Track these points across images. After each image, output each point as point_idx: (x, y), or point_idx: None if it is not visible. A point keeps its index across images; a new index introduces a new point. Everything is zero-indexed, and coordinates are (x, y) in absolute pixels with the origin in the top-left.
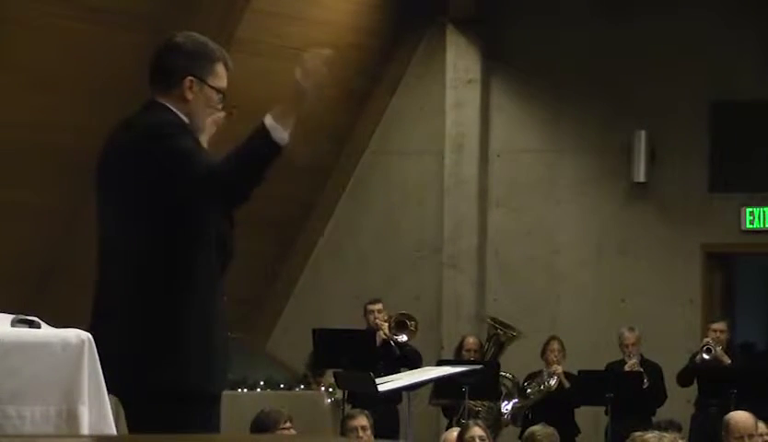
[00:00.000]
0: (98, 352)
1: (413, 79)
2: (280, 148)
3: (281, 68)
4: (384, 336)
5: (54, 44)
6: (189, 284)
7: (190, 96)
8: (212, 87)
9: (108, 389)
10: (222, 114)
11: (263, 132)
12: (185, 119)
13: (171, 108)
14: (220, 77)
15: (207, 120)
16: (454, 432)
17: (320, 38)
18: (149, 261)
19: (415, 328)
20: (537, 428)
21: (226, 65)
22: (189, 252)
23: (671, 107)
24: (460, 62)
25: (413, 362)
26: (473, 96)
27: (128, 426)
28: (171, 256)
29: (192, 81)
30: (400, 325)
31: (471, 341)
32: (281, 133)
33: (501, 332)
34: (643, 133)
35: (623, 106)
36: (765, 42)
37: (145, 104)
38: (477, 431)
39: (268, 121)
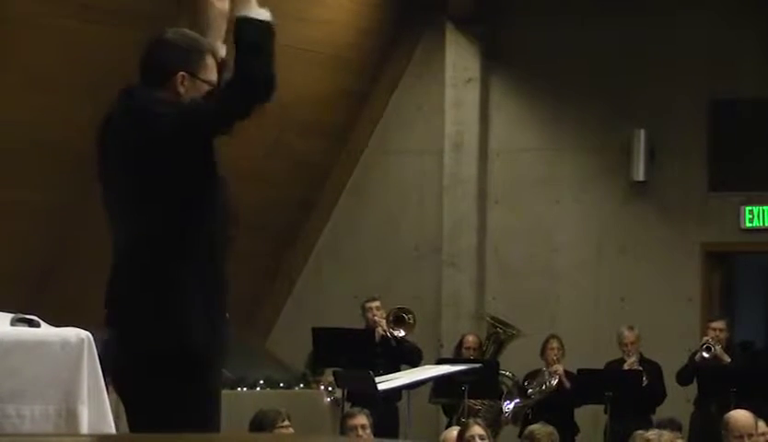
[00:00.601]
0: (109, 320)
1: (412, 78)
2: (270, 24)
3: (280, 67)
4: (382, 332)
5: (53, 43)
6: (193, 250)
7: (182, 90)
8: (203, 81)
9: (114, 363)
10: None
11: (246, 22)
12: None
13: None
14: (210, 69)
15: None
16: (454, 430)
17: (320, 37)
18: (154, 228)
19: (413, 322)
20: (536, 427)
21: (214, 56)
22: (194, 218)
23: (671, 106)
24: (460, 61)
25: (413, 358)
26: (472, 95)
27: (129, 398)
28: (177, 223)
29: (183, 76)
30: (398, 320)
31: (470, 339)
32: (258, 14)
33: (500, 331)
34: (642, 132)
35: (623, 105)
36: (764, 41)
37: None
38: (477, 430)
39: (241, 15)
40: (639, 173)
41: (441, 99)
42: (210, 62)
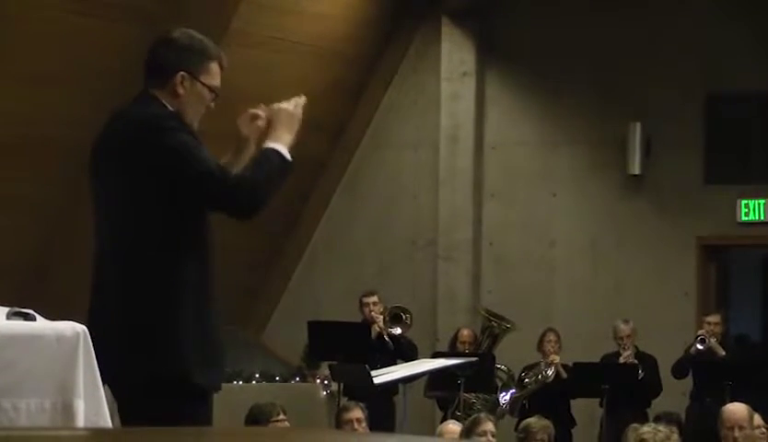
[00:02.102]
0: (93, 342)
1: (407, 72)
2: (291, 164)
3: (276, 60)
4: (379, 329)
5: (48, 37)
6: (185, 278)
7: (181, 91)
8: (204, 85)
9: (102, 380)
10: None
11: (275, 151)
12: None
13: (162, 101)
14: (213, 76)
15: (197, 115)
16: (450, 424)
17: (315, 30)
18: (143, 254)
19: (410, 321)
20: (533, 421)
21: (220, 65)
22: (184, 245)
23: (666, 99)
24: (455, 54)
25: (409, 354)
26: (468, 88)
27: (120, 417)
28: (166, 248)
29: (183, 76)
30: (394, 318)
31: (465, 333)
32: (285, 152)
33: (495, 324)
34: (638, 125)
35: (618, 99)
36: (760, 35)
37: (137, 96)
38: (489, 426)
39: (273, 144)
40: (635, 167)
41: (437, 93)
42: (215, 68)
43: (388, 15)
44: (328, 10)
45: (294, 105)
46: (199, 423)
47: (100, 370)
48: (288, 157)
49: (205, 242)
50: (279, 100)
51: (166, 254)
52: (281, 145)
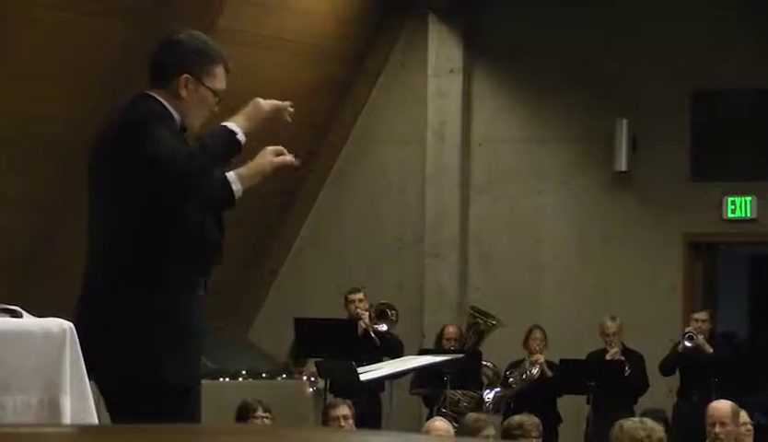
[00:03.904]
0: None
1: (394, 68)
2: (238, 141)
3: (262, 57)
4: (365, 326)
5: (42, 34)
6: (162, 278)
7: (184, 93)
8: (208, 88)
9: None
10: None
11: (224, 127)
12: (174, 113)
13: (159, 99)
14: (218, 79)
15: (200, 118)
16: (437, 421)
17: (302, 27)
18: (124, 255)
19: (396, 318)
20: (523, 418)
21: (226, 68)
22: (163, 246)
23: (653, 96)
24: (442, 51)
25: (395, 351)
26: (455, 85)
27: (108, 413)
28: (145, 249)
29: (187, 79)
30: (380, 315)
31: (450, 330)
32: (238, 131)
33: (481, 321)
34: (624, 122)
35: (605, 95)
36: (747, 31)
37: (135, 97)
38: (492, 430)
39: (232, 126)
40: (621, 163)
41: (424, 90)
42: (219, 72)
43: (374, 11)
44: (314, 7)
45: (271, 105)
46: (185, 417)
47: (86, 367)
48: (239, 135)
49: (190, 244)
50: (267, 97)
51: (145, 255)
52: (234, 124)
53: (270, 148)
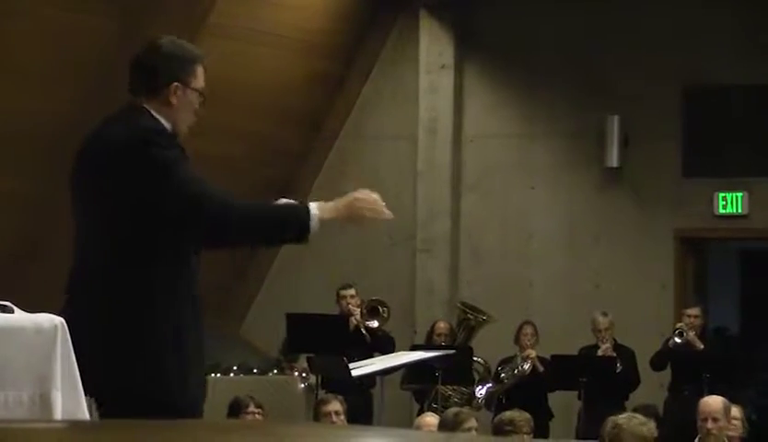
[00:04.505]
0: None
1: (386, 64)
2: (305, 236)
3: (254, 52)
4: (356, 322)
5: (30, 32)
6: (162, 296)
7: (174, 101)
8: (194, 90)
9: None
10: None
11: (305, 216)
12: (166, 124)
13: (153, 113)
14: (200, 78)
15: (188, 121)
16: (428, 416)
17: (294, 22)
18: (121, 271)
19: (387, 314)
20: (514, 414)
21: (204, 66)
22: (165, 263)
23: (644, 93)
24: (434, 47)
25: (386, 347)
26: (447, 81)
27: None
28: (146, 266)
29: (177, 86)
30: (372, 311)
31: (441, 325)
32: (315, 224)
33: (471, 317)
34: (616, 118)
35: (596, 91)
36: (738, 28)
37: (126, 107)
38: (474, 423)
39: (314, 211)
40: (613, 159)
41: (415, 85)
42: (200, 71)
43: (366, 7)
44: (306, 2)
45: (373, 205)
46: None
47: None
48: (309, 229)
49: (187, 257)
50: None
51: (144, 271)
52: (319, 214)
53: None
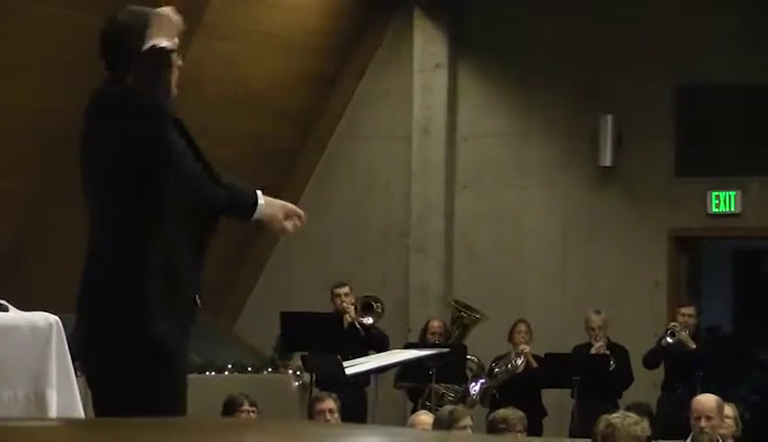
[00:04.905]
0: (77, 306)
1: (380, 64)
2: (249, 220)
3: (249, 51)
4: (350, 319)
5: (23, 28)
6: (157, 243)
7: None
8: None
9: (81, 350)
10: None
11: (253, 201)
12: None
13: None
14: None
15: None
16: (422, 414)
17: (289, 22)
18: (122, 222)
19: (381, 310)
20: (508, 412)
21: (161, 16)
22: (156, 217)
23: (638, 92)
24: (428, 47)
25: (381, 344)
26: (441, 80)
27: (96, 386)
28: (142, 218)
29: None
30: (366, 308)
31: (435, 324)
32: (259, 213)
33: (465, 315)
34: (609, 117)
35: (590, 91)
36: (730, 27)
37: (106, 81)
38: (469, 420)
39: (261, 199)
40: (606, 158)
41: (409, 85)
42: (157, 18)
43: (361, 7)
44: (301, 2)
45: (294, 220)
46: (167, 386)
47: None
48: (256, 213)
49: (185, 220)
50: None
51: (136, 229)
52: (262, 200)
53: (287, 208)
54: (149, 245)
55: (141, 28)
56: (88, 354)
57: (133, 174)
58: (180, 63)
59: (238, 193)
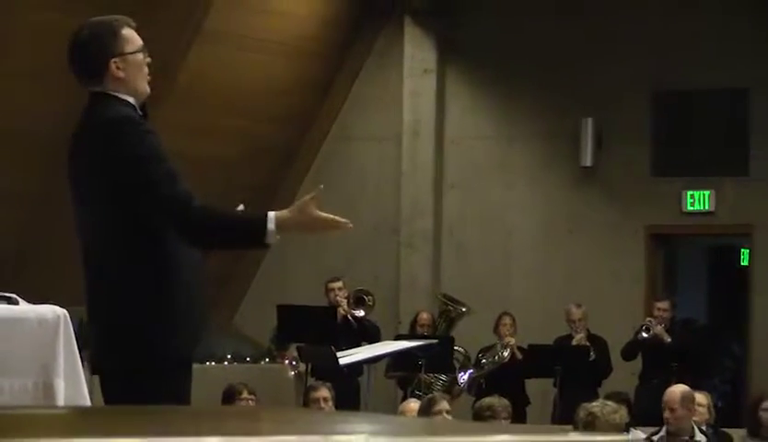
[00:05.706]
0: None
1: (372, 69)
2: (265, 247)
3: (246, 58)
4: (343, 312)
5: (24, 32)
6: (171, 262)
7: (121, 74)
8: (132, 53)
9: (97, 362)
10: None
11: (262, 228)
12: (128, 97)
13: (115, 95)
14: (133, 39)
15: (144, 80)
16: (412, 402)
17: (283, 28)
18: (129, 256)
19: (373, 303)
20: (493, 400)
21: (129, 25)
22: (149, 242)
23: (616, 96)
24: (417, 53)
25: (373, 336)
26: (429, 85)
27: (105, 397)
28: (148, 230)
29: (116, 61)
30: (358, 301)
31: (424, 316)
32: (273, 238)
33: (452, 308)
34: (590, 120)
35: (571, 95)
36: (705, 31)
37: (92, 99)
38: (445, 405)
39: (270, 224)
40: (587, 159)
41: (400, 89)
42: (129, 32)
43: (353, 15)
44: (297, 9)
45: (332, 222)
46: (179, 397)
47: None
48: (270, 238)
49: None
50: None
51: (136, 247)
52: (275, 223)
53: (318, 223)
54: (158, 258)
55: (108, 37)
56: (105, 371)
57: (131, 188)
58: (148, 59)
59: (242, 221)
